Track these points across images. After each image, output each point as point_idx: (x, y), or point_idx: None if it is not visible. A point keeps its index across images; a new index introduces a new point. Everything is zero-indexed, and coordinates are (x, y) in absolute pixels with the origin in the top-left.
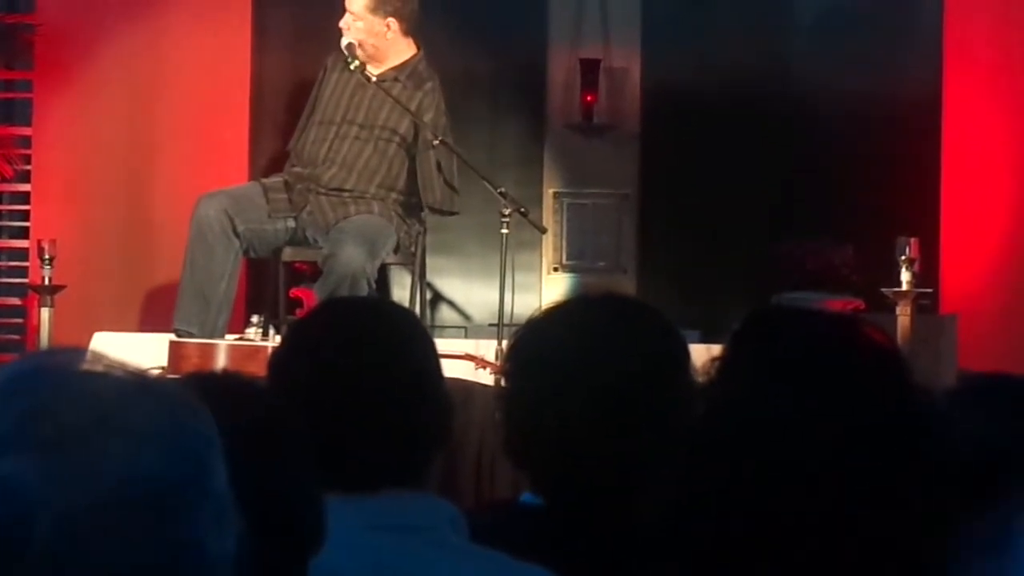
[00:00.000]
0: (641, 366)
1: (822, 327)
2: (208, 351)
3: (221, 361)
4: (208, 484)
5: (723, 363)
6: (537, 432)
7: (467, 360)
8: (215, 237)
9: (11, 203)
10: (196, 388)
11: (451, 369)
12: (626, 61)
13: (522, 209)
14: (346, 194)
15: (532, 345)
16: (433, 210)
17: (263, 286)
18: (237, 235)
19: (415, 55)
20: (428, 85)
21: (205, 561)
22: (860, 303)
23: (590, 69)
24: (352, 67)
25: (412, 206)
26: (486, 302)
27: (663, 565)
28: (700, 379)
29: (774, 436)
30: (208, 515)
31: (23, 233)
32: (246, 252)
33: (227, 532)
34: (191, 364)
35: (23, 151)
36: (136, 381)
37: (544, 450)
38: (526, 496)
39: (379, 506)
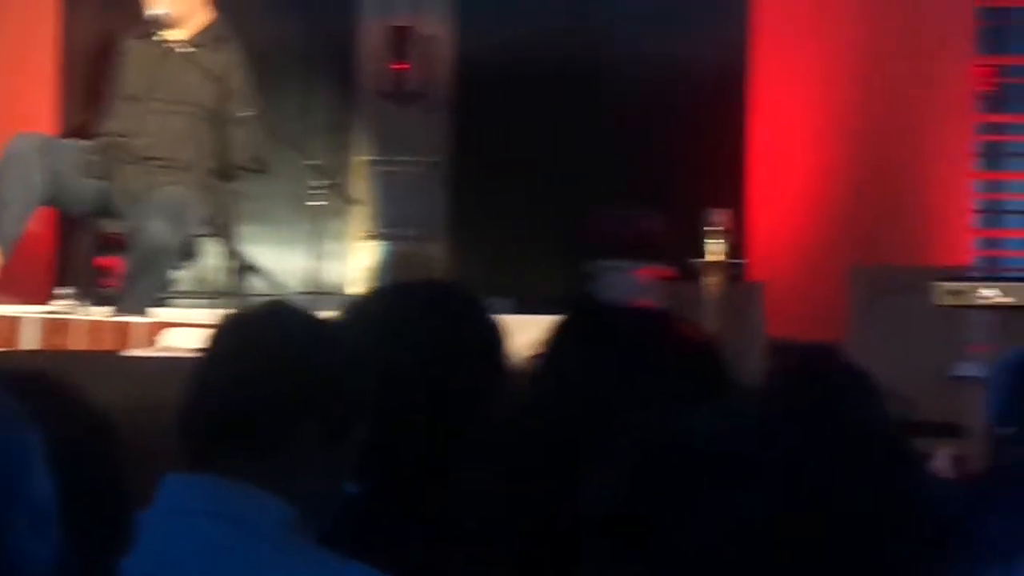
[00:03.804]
0: (450, 351)
1: (638, 323)
2: (16, 324)
3: (31, 335)
4: (25, 489)
5: (545, 357)
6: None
7: None
8: (26, 167)
9: None
10: (15, 390)
11: None
12: (437, 28)
13: (333, 182)
14: (156, 165)
15: (345, 333)
16: (243, 169)
17: (71, 257)
18: (43, 174)
19: (214, 18)
20: (231, 45)
21: (20, 568)
22: (671, 271)
23: (401, 36)
24: (163, 37)
25: (223, 176)
26: (296, 270)
27: (486, 552)
28: (521, 371)
29: (595, 430)
30: (25, 521)
31: None
32: (54, 200)
33: (46, 539)
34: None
35: None
36: None
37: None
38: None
39: (211, 491)
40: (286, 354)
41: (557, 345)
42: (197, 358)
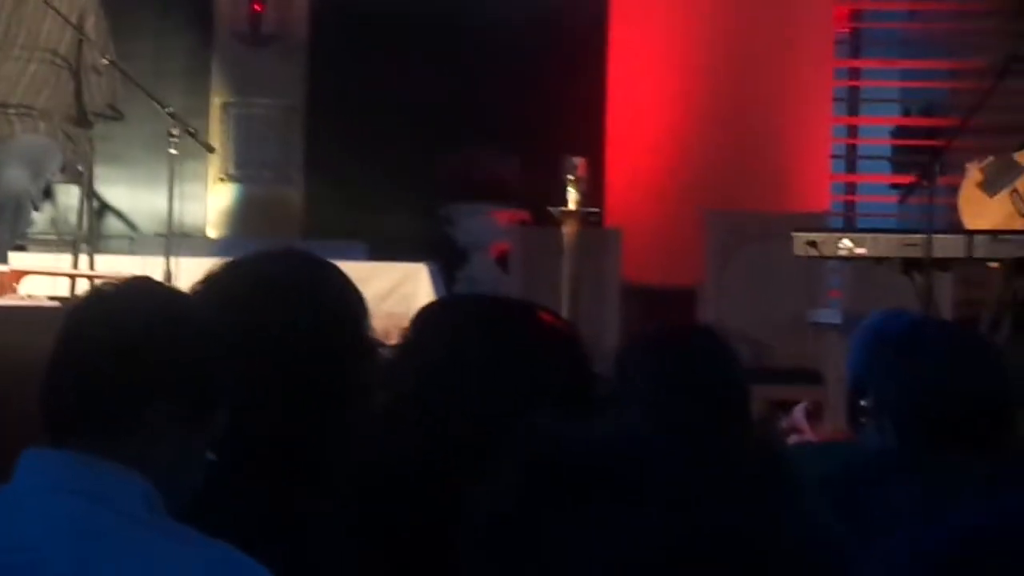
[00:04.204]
0: (310, 321)
1: (500, 314)
2: None
3: None
4: None
5: (409, 345)
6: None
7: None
8: None
9: None
10: None
11: None
12: None
13: (190, 129)
14: (11, 111)
15: (205, 297)
16: (99, 116)
17: None
18: None
19: None
20: None
21: None
22: (526, 215)
23: None
24: None
25: (80, 122)
26: (153, 211)
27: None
28: (383, 356)
29: (462, 426)
30: None
31: None
32: None
33: None
34: None
35: None
36: None
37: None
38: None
39: (69, 469)
40: (137, 334)
41: (421, 334)
42: (57, 333)
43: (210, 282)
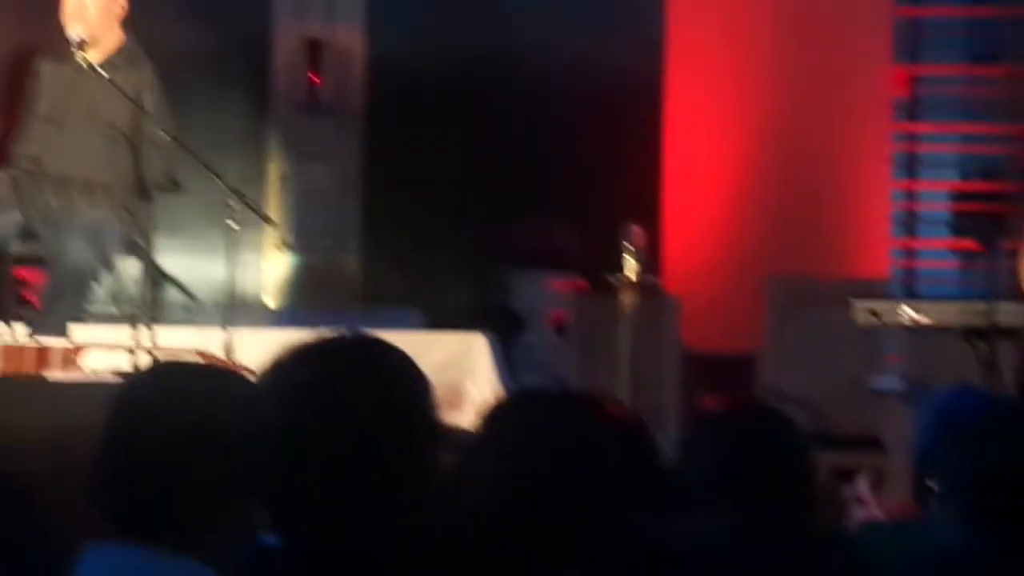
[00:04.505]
0: (376, 406)
1: (570, 408)
2: None
3: None
4: None
5: (476, 446)
6: (275, 471)
7: (196, 356)
8: None
9: None
10: None
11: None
12: (351, 40)
13: (250, 201)
14: (74, 187)
15: (273, 386)
16: (159, 188)
17: None
18: None
19: (125, 39)
20: (143, 64)
21: None
22: (583, 282)
23: (315, 48)
24: (82, 60)
25: (141, 197)
26: (211, 280)
27: None
28: (451, 455)
29: (532, 512)
30: None
31: None
32: None
33: None
34: None
35: None
36: None
37: (282, 490)
38: (265, 537)
39: (145, 568)
40: (207, 428)
41: (493, 429)
42: (112, 417)
43: (276, 368)
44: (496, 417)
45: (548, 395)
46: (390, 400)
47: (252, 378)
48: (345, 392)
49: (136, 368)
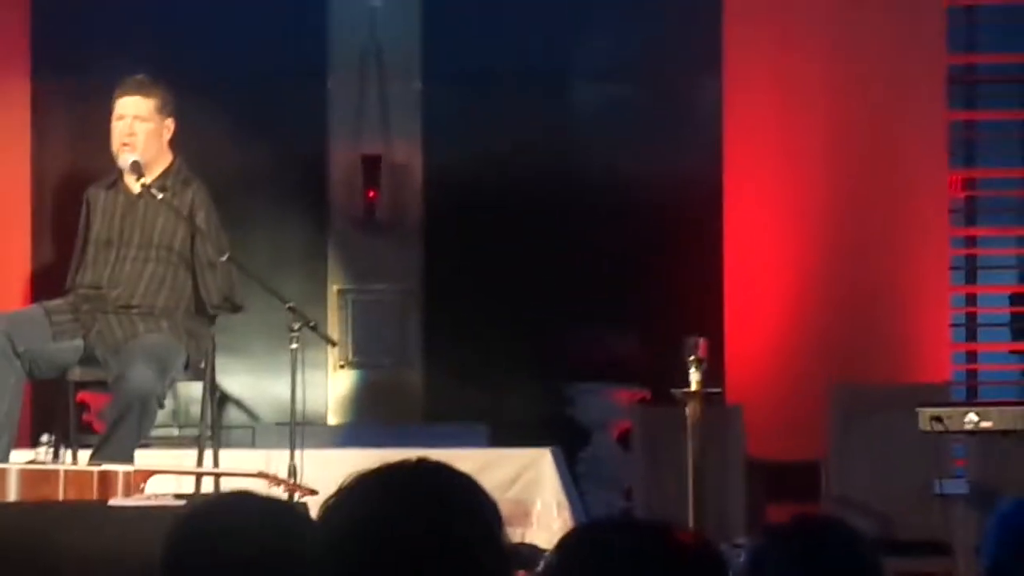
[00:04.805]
0: (441, 539)
1: (640, 539)
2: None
3: (13, 487)
4: None
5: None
6: None
7: (260, 478)
8: None
9: None
10: None
11: (244, 486)
12: (407, 156)
13: (311, 323)
14: (133, 312)
15: (338, 516)
16: (218, 309)
17: (49, 403)
18: (18, 355)
19: (175, 160)
20: (194, 185)
21: None
22: (647, 393)
23: (371, 165)
24: (133, 185)
25: (201, 321)
26: (274, 400)
27: None
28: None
29: None
30: None
31: None
32: (29, 373)
33: None
34: None
35: None
36: None
37: None
38: None
39: None
40: (251, 559)
41: (563, 562)
42: (165, 550)
43: (338, 500)
44: (569, 545)
45: (619, 522)
46: (456, 532)
47: (314, 502)
48: (410, 527)
49: (194, 499)
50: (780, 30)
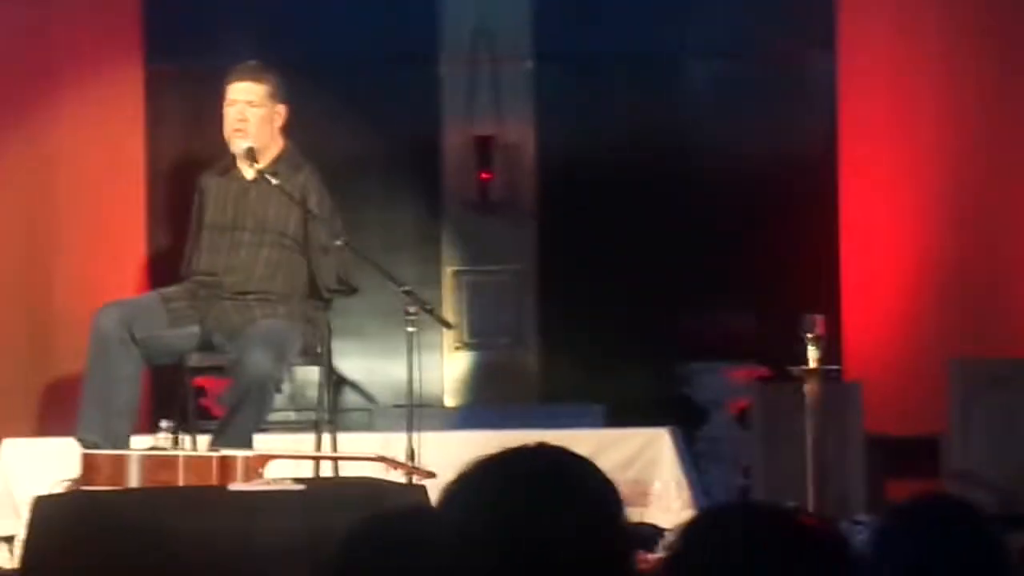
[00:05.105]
0: (567, 523)
1: (765, 523)
2: (120, 462)
3: (134, 473)
4: None
5: (672, 563)
6: None
7: (378, 462)
8: (113, 347)
9: None
10: None
11: (363, 470)
12: (520, 136)
13: (427, 306)
14: (250, 297)
15: (460, 501)
16: (334, 293)
17: (167, 389)
18: (136, 342)
19: (287, 146)
20: (306, 169)
21: None
22: (764, 371)
23: (484, 146)
24: (246, 171)
25: (317, 305)
26: (390, 383)
27: None
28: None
29: None
30: None
31: None
32: (147, 360)
33: None
34: (104, 476)
35: None
36: None
37: None
38: None
39: None
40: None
41: (688, 546)
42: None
43: (462, 482)
44: (692, 529)
45: (742, 506)
46: (578, 514)
47: (433, 485)
48: (532, 511)
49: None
50: (894, 4)
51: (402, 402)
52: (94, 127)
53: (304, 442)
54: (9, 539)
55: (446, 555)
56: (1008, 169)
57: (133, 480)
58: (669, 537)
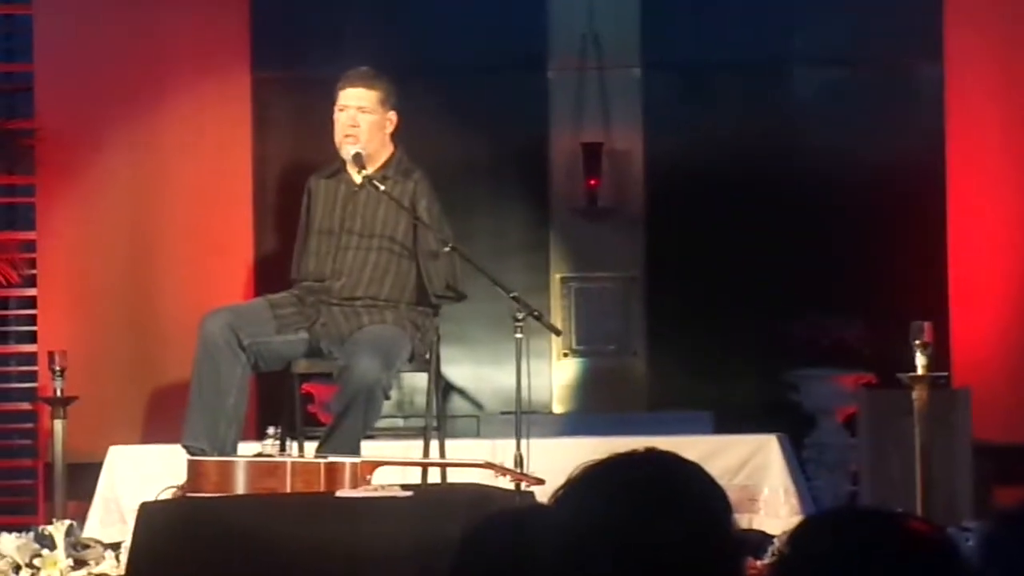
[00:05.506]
0: (677, 529)
1: (875, 529)
2: (227, 469)
3: (241, 480)
4: None
5: (782, 566)
6: None
7: (486, 468)
8: (220, 353)
9: (18, 308)
10: None
11: (471, 477)
12: (628, 143)
13: (536, 313)
14: (358, 303)
15: (569, 507)
16: (442, 299)
17: (274, 396)
18: (243, 348)
19: (396, 151)
20: (415, 175)
21: None
22: (872, 377)
23: (592, 152)
24: (356, 176)
25: (425, 312)
26: (497, 389)
27: None
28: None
29: None
30: None
31: (31, 337)
32: (254, 366)
33: None
34: (210, 483)
35: (28, 256)
36: None
37: None
38: None
39: None
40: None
41: (796, 551)
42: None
43: (571, 488)
44: (801, 535)
45: (852, 512)
46: (688, 521)
47: (542, 492)
48: (642, 517)
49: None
50: (1002, 11)
51: (510, 409)
52: (202, 133)
53: (412, 449)
54: (116, 546)
55: (559, 557)
56: None
57: (239, 487)
58: (777, 543)
